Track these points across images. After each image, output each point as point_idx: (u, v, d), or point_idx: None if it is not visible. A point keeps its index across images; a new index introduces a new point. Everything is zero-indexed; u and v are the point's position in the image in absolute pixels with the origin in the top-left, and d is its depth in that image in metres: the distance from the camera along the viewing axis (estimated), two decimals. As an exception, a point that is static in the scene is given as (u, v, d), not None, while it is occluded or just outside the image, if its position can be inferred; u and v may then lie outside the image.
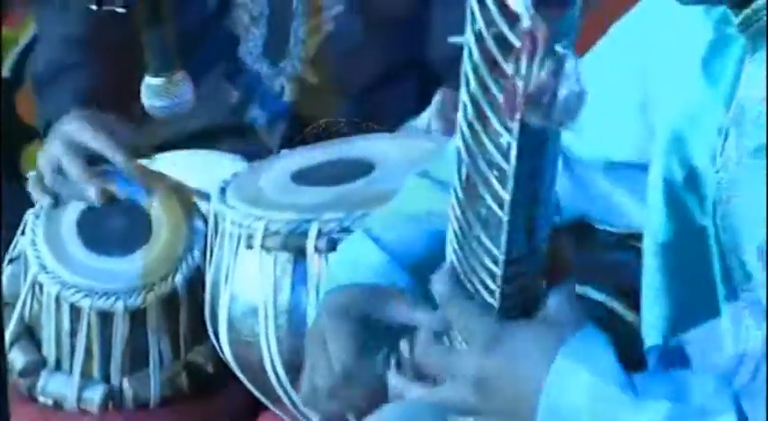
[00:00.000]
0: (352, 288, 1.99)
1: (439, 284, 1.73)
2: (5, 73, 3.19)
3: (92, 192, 2.73)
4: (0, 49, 2.38)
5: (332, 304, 1.97)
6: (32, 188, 2.80)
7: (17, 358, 2.68)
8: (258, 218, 2.49)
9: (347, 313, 1.94)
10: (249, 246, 2.50)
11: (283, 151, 2.79)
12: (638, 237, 1.97)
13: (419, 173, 2.13)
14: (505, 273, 1.61)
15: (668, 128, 1.86)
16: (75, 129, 2.82)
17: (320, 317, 1.99)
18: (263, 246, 2.47)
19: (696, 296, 1.84)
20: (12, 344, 2.69)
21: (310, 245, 2.44)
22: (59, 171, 2.78)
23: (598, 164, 2.01)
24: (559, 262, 1.71)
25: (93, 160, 2.82)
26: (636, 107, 1.94)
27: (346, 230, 2.33)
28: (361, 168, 2.63)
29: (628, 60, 1.93)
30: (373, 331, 1.93)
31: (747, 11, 1.71)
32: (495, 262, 1.60)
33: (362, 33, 2.94)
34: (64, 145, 2.80)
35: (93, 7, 2.50)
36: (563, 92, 1.37)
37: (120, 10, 2.53)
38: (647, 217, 1.91)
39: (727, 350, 1.79)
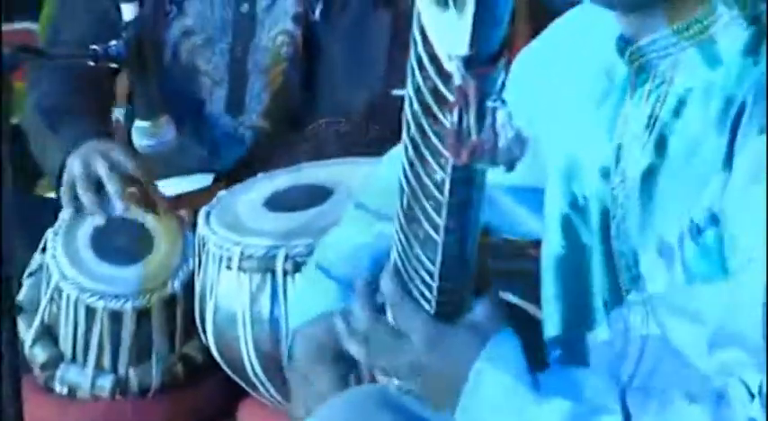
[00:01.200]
0: (316, 325, 2.05)
1: (386, 285, 1.79)
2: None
3: (119, 206, 2.84)
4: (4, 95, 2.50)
5: (305, 347, 2.06)
6: (63, 195, 2.88)
7: (39, 354, 2.80)
8: (236, 243, 2.66)
9: (321, 355, 2.03)
10: (228, 267, 2.66)
11: (259, 175, 2.90)
12: (536, 244, 2.04)
13: (356, 204, 2.18)
14: (440, 285, 1.70)
15: (562, 158, 1.92)
16: (111, 150, 2.92)
17: (297, 359, 2.07)
18: (239, 268, 2.65)
19: (582, 302, 1.89)
20: (34, 342, 2.81)
21: (279, 267, 2.62)
22: (93, 184, 2.86)
23: (501, 186, 2.03)
24: (479, 269, 1.78)
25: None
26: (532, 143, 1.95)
27: (309, 253, 2.38)
28: (323, 194, 2.76)
29: (519, 100, 1.83)
30: (339, 353, 1.98)
31: (633, 47, 1.79)
32: (431, 276, 1.70)
33: (305, 86, 3.04)
34: (105, 163, 2.87)
35: (91, 63, 2.57)
36: (502, 140, 1.44)
37: (113, 65, 2.64)
38: (543, 233, 1.98)
39: (610, 350, 1.85)
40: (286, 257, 2.61)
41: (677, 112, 1.78)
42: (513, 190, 2.06)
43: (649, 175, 1.79)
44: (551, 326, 1.91)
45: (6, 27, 3.43)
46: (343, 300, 2.04)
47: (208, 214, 2.76)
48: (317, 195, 2.76)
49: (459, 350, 1.74)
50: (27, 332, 2.81)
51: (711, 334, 1.72)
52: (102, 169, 2.86)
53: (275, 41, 3.03)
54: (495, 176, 1.85)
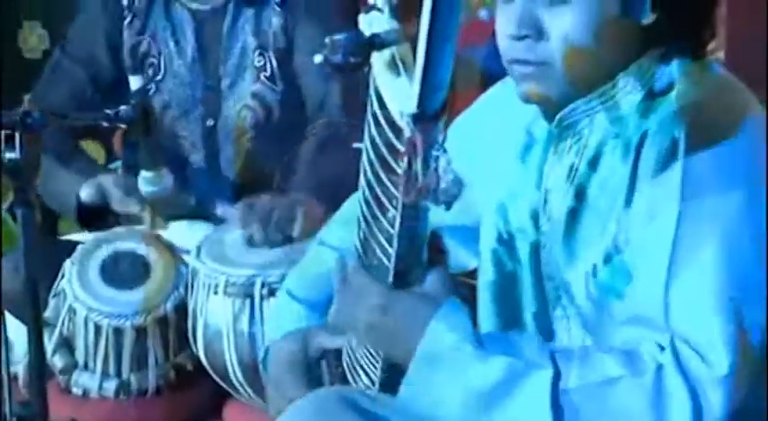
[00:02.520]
0: (285, 342, 2.06)
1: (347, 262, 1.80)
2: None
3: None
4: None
5: (276, 358, 2.06)
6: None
7: (58, 361, 2.83)
8: (222, 273, 2.70)
9: (293, 367, 2.02)
10: (215, 292, 2.70)
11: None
12: (468, 274, 2.01)
13: (317, 241, 2.18)
14: None
15: (493, 202, 1.92)
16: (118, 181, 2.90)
17: (270, 369, 2.07)
18: (225, 293, 2.68)
19: (513, 316, 1.90)
20: (54, 351, 2.82)
21: (257, 292, 2.65)
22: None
23: (441, 225, 1.93)
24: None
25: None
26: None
27: (281, 281, 2.37)
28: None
29: (457, 155, 1.77)
30: (306, 365, 2.01)
31: (561, 114, 1.79)
32: None
33: (271, 151, 2.99)
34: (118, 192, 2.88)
35: (105, 124, 2.55)
36: (442, 184, 1.45)
37: (122, 126, 2.56)
38: (479, 264, 1.96)
39: None
40: (262, 285, 2.65)
41: (592, 164, 1.79)
42: (449, 229, 1.98)
43: (571, 215, 1.80)
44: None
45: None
46: (307, 320, 2.08)
47: (198, 249, 2.78)
48: (288, 235, 2.76)
49: (413, 312, 1.72)
50: (49, 342, 2.80)
51: (620, 321, 1.73)
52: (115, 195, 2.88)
53: (240, 114, 3.00)
54: (434, 218, 1.84)
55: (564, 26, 1.73)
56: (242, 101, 2.99)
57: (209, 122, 3.03)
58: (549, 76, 1.75)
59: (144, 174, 2.68)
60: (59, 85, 3.06)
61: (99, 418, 2.83)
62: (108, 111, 2.53)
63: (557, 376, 1.65)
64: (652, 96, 1.77)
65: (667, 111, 1.74)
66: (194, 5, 2.99)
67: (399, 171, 1.48)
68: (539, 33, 1.75)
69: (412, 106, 1.41)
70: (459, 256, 2.03)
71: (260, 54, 2.95)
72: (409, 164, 1.45)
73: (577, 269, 1.80)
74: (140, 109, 2.53)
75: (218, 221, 3.00)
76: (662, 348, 1.65)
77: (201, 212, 3.06)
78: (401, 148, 1.46)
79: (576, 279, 1.80)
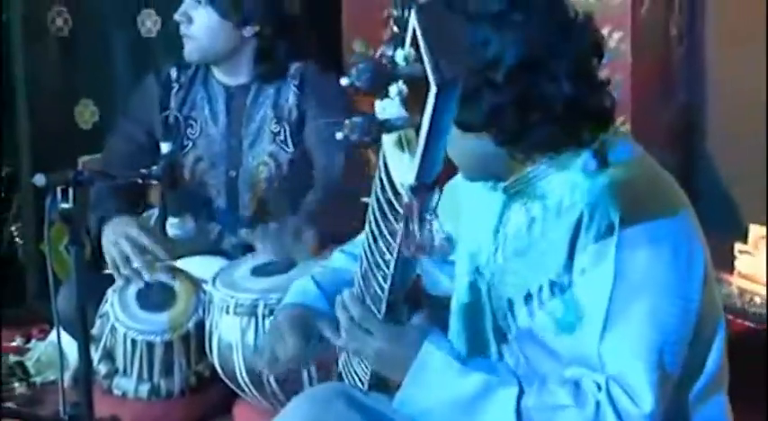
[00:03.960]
0: (297, 307, 2.04)
1: (351, 304, 1.76)
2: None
3: (146, 276, 2.86)
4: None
5: (288, 315, 2.02)
6: (113, 272, 2.86)
7: (102, 369, 2.85)
8: (232, 296, 2.71)
9: (295, 322, 2.00)
10: (227, 312, 2.71)
11: (247, 254, 2.90)
12: (446, 299, 1.96)
13: (340, 249, 2.14)
14: (384, 320, 1.73)
15: (468, 246, 1.89)
16: (131, 231, 2.86)
17: (279, 318, 2.03)
18: (234, 313, 2.69)
19: (479, 337, 1.86)
20: (99, 361, 2.84)
21: (260, 312, 2.67)
22: (126, 262, 2.85)
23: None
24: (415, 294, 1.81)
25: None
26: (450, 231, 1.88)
27: (278, 303, 2.29)
28: (288, 266, 2.78)
29: (444, 212, 1.75)
30: (308, 332, 1.98)
31: (508, 183, 1.76)
32: (378, 313, 1.73)
33: (280, 199, 2.99)
34: (129, 243, 2.84)
35: (139, 181, 2.57)
36: (437, 242, 1.43)
37: (154, 182, 2.61)
38: (454, 291, 1.92)
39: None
40: (264, 306, 2.66)
41: (541, 217, 1.75)
42: (434, 262, 2.03)
43: (519, 257, 1.77)
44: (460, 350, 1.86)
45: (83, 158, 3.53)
46: (316, 299, 2.04)
47: (214, 278, 2.78)
48: (284, 268, 2.77)
49: (411, 344, 1.72)
50: (95, 354, 2.80)
51: (567, 359, 1.70)
52: (128, 249, 2.84)
53: (257, 168, 2.98)
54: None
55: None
56: (259, 158, 2.97)
57: (232, 173, 3.02)
58: (461, 168, 1.79)
59: (171, 220, 2.68)
60: (120, 145, 3.07)
61: (134, 415, 2.79)
62: (143, 171, 2.55)
63: (521, 394, 1.66)
64: (587, 172, 1.71)
65: (603, 187, 1.68)
66: (226, 81, 3.01)
67: (397, 227, 1.47)
68: None
69: (411, 178, 1.40)
70: (440, 283, 2.03)
71: (276, 122, 2.95)
72: (407, 224, 1.43)
73: (520, 303, 1.78)
74: (169, 168, 2.56)
75: (230, 256, 2.98)
76: (599, 387, 1.65)
77: (219, 247, 3.04)
78: (400, 210, 1.45)
79: (519, 310, 1.78)
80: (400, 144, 1.42)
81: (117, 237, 2.86)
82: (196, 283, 2.90)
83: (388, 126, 1.39)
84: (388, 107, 1.39)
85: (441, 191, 1.44)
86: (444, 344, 1.73)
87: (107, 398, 2.82)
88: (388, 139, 1.44)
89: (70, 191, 2.18)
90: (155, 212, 3.11)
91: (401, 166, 1.43)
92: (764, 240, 2.68)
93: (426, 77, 1.28)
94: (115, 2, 3.76)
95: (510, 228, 1.80)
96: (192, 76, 3.03)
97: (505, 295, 1.80)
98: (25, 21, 3.75)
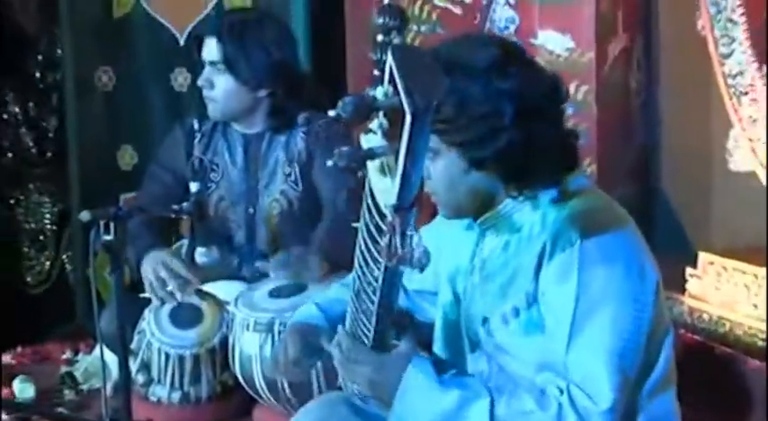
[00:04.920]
0: (302, 324, 2.02)
1: (343, 340, 1.76)
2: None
3: (179, 296, 2.86)
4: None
5: (293, 329, 2.01)
6: (150, 293, 2.87)
7: (140, 378, 2.84)
8: (251, 316, 2.71)
9: (299, 335, 1.97)
10: (247, 329, 2.70)
11: (263, 279, 2.90)
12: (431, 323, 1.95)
13: (342, 283, 2.09)
14: (374, 337, 1.74)
15: (447, 274, 1.89)
16: (169, 260, 2.88)
17: (287, 333, 2.01)
18: (254, 330, 2.69)
19: (457, 350, 1.86)
20: (137, 372, 2.83)
21: (276, 329, 2.65)
22: (162, 284, 2.84)
23: (413, 290, 2.02)
24: (400, 322, 1.84)
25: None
26: (431, 266, 1.75)
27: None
28: (301, 289, 2.78)
29: (432, 242, 1.73)
30: (310, 345, 1.94)
31: (482, 218, 1.77)
32: (369, 331, 1.73)
33: (291, 231, 2.99)
34: (165, 269, 2.84)
35: (172, 215, 2.67)
36: (416, 253, 1.43)
37: (184, 216, 2.70)
38: (436, 312, 1.93)
39: (477, 375, 1.80)
40: (280, 323, 2.64)
41: (516, 240, 1.75)
42: (418, 292, 2.03)
43: (492, 278, 1.78)
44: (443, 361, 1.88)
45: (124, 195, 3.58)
46: (318, 319, 2.01)
47: (236, 300, 2.77)
48: (297, 290, 2.78)
49: (397, 369, 1.72)
50: (133, 365, 2.80)
51: (536, 365, 1.70)
52: (164, 274, 2.86)
53: (271, 205, 2.98)
54: (409, 283, 1.98)
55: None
56: (273, 196, 2.97)
57: (250, 210, 3.02)
58: (440, 205, 1.78)
59: (199, 249, 2.83)
60: (154, 185, 3.07)
61: (168, 419, 2.80)
62: (174, 207, 2.65)
63: (492, 404, 1.66)
64: (553, 204, 1.72)
65: (565, 215, 1.69)
66: (244, 131, 3.01)
67: (383, 244, 1.47)
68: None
69: (393, 199, 1.41)
70: (425, 309, 2.02)
71: (288, 165, 2.95)
72: (390, 239, 1.43)
73: (494, 319, 1.77)
74: (197, 205, 2.65)
75: (249, 281, 2.98)
76: (561, 391, 1.64)
77: (239, 274, 3.03)
78: (384, 228, 1.45)
79: (494, 327, 1.78)
80: (383, 170, 1.43)
81: (155, 264, 2.86)
82: (221, 304, 2.89)
83: (371, 154, 1.41)
84: (372, 139, 1.42)
85: (419, 211, 1.44)
86: (426, 367, 1.72)
87: (144, 403, 2.81)
88: (372, 167, 1.45)
89: (111, 225, 2.21)
90: (185, 242, 3.11)
91: (384, 190, 1.44)
92: (711, 266, 2.69)
93: (402, 107, 1.31)
94: (152, 61, 3.81)
95: (485, 253, 1.81)
96: (213, 127, 3.03)
97: (480, 313, 1.80)
98: (76, 78, 3.85)
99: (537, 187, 1.72)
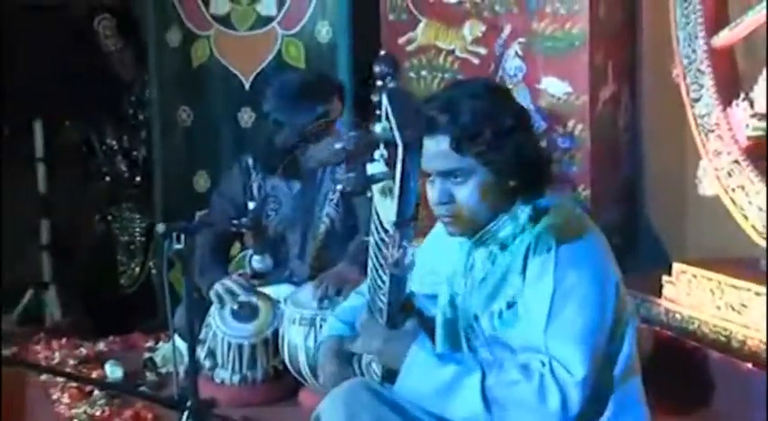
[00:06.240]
0: (330, 338, 1.99)
1: (362, 316, 1.80)
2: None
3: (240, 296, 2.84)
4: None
5: (324, 347, 1.99)
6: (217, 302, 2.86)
7: (207, 363, 2.86)
8: (297, 312, 2.74)
9: (331, 353, 1.96)
10: (294, 323, 2.73)
11: (307, 283, 2.87)
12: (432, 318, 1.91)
13: (356, 291, 2.08)
14: (386, 320, 1.72)
15: (445, 279, 1.87)
16: (230, 282, 2.89)
17: (321, 352, 2.00)
18: (299, 324, 2.73)
19: (456, 342, 1.84)
20: (204, 358, 2.84)
21: (317, 324, 2.68)
22: (231, 293, 2.87)
23: (420, 293, 1.95)
24: (406, 307, 1.79)
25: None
26: (432, 273, 1.90)
27: None
28: (340, 291, 2.74)
29: (426, 253, 1.84)
30: (342, 355, 1.93)
31: (476, 237, 1.77)
32: (381, 316, 1.73)
33: (333, 246, 2.98)
34: (236, 283, 2.89)
35: (233, 229, 2.65)
36: (406, 261, 1.51)
37: (244, 230, 2.69)
38: (437, 312, 1.90)
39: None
40: (321, 319, 2.67)
41: (501, 251, 1.76)
42: (425, 296, 1.99)
43: (482, 282, 1.79)
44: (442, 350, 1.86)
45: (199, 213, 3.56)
46: (342, 330, 1.99)
47: (286, 300, 2.80)
48: (336, 292, 2.76)
49: (402, 342, 1.73)
50: (201, 352, 2.82)
51: (519, 349, 1.70)
52: (232, 285, 2.89)
53: (318, 227, 2.96)
54: (417, 287, 1.94)
55: (464, 195, 1.72)
56: (321, 218, 2.96)
57: (303, 230, 3.00)
58: (459, 222, 1.76)
59: (256, 257, 2.90)
60: (216, 210, 3.06)
61: (230, 397, 2.78)
62: (235, 222, 2.79)
63: (483, 376, 1.66)
64: (530, 219, 1.73)
65: (543, 227, 1.70)
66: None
67: (387, 254, 1.52)
68: (450, 199, 1.73)
69: (393, 216, 1.44)
70: (429, 309, 1.98)
71: (332, 191, 2.93)
72: (390, 250, 1.48)
73: (484, 316, 1.78)
74: (254, 221, 2.78)
75: (297, 285, 2.99)
76: (543, 364, 1.65)
77: (290, 280, 3.05)
78: (387, 241, 1.50)
79: (484, 322, 1.78)
80: (384, 193, 1.46)
81: (224, 279, 2.90)
82: (273, 303, 2.90)
83: (374, 179, 1.44)
84: (375, 166, 1.45)
85: (416, 226, 1.46)
86: (427, 346, 1.73)
87: (210, 384, 2.82)
88: (376, 190, 1.47)
89: (182, 236, 2.22)
90: (249, 252, 3.14)
91: (386, 209, 1.46)
92: (683, 274, 2.69)
93: (395, 140, 1.36)
94: (223, 102, 3.85)
95: (476, 262, 1.82)
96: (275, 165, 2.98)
97: (472, 311, 1.81)
98: (161, 116, 3.94)
99: (524, 202, 1.74)
